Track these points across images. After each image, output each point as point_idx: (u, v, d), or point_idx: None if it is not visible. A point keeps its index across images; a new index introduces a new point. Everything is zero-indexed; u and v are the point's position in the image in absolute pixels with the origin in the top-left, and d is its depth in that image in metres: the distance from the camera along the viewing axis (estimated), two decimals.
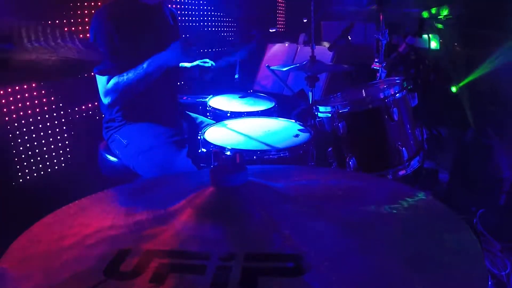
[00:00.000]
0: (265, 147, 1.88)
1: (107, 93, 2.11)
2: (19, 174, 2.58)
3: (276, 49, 4.35)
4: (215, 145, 1.87)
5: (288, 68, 2.57)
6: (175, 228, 0.79)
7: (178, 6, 3.76)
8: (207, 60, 2.56)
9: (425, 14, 2.93)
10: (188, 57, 2.17)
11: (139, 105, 2.21)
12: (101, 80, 2.11)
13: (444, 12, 2.97)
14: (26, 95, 2.59)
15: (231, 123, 2.21)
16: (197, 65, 2.52)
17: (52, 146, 2.78)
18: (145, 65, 2.07)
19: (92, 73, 2.14)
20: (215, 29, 4.26)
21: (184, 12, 3.86)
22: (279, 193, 0.89)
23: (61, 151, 2.84)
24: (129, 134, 2.19)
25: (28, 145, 2.64)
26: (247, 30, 4.23)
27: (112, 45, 2.05)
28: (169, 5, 2.49)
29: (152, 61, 2.08)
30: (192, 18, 3.97)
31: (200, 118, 2.52)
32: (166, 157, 2.09)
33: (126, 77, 2.07)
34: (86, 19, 2.89)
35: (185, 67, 2.54)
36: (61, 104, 2.80)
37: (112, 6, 2.13)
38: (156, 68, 2.08)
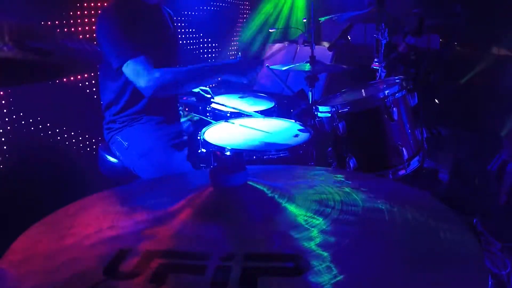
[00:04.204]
0: (265, 147, 1.88)
1: (152, 73, 1.97)
2: (19, 174, 2.58)
3: (276, 49, 4.35)
4: (215, 146, 1.87)
5: (288, 67, 2.57)
6: (175, 228, 0.79)
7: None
8: (209, 90, 2.56)
9: None
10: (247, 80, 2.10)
11: (139, 106, 2.21)
12: (137, 65, 1.97)
13: None
14: (26, 94, 2.59)
15: (231, 123, 2.21)
16: (198, 92, 2.52)
17: (52, 146, 2.78)
18: (209, 67, 2.08)
19: (116, 69, 2.01)
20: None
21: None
22: (279, 193, 0.89)
23: (61, 151, 2.84)
24: (130, 136, 2.19)
25: (28, 144, 2.64)
26: None
27: (129, 30, 2.01)
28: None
29: (220, 67, 2.09)
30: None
31: (200, 118, 2.52)
32: (166, 160, 2.09)
33: (184, 70, 2.05)
34: (86, 19, 2.89)
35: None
36: (61, 104, 2.80)
37: (117, 4, 2.13)
38: (219, 74, 2.08)
